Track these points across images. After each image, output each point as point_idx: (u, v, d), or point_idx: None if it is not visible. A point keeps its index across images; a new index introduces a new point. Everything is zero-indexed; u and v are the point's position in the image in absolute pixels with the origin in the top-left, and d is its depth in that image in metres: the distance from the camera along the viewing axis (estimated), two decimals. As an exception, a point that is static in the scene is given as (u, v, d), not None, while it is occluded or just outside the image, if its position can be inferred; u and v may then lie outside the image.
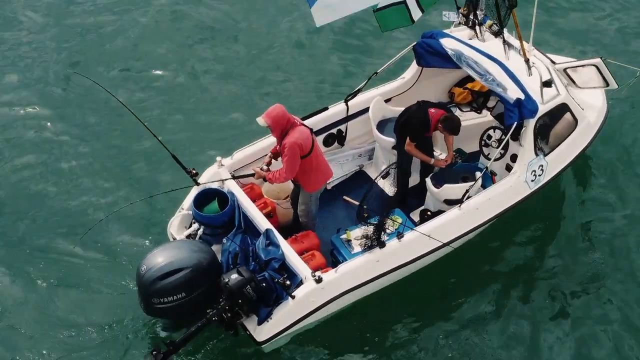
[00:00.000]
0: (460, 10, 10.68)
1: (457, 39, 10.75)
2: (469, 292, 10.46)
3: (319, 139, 10.88)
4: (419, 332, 10.07)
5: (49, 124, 12.27)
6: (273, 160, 9.98)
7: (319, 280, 9.18)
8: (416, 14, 10.35)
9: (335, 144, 11.23)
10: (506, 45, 10.43)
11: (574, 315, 10.31)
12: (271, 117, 9.47)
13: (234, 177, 10.10)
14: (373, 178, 10.93)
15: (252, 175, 9.98)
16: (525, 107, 9.99)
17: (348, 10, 9.63)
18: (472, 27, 10.76)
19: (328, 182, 10.82)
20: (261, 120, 9.49)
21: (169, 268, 9.13)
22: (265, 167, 9.91)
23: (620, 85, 10.93)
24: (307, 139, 9.59)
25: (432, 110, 10.36)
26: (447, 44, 10.64)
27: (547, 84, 10.20)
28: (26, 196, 11.28)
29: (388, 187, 10.64)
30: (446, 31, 10.96)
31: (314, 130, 10.08)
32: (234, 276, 9.05)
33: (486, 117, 11.48)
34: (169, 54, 13.50)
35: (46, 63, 13.22)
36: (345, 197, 10.99)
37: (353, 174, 11.35)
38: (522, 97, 10.03)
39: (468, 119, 11.50)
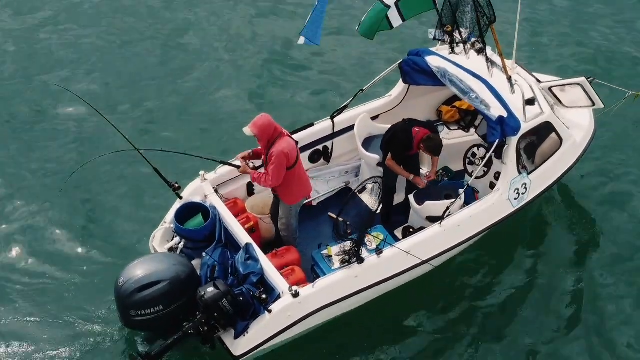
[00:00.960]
0: (444, 28, 10.69)
1: (442, 56, 10.78)
2: (450, 309, 10.46)
3: (305, 155, 10.92)
4: (402, 345, 10.08)
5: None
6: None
7: (296, 295, 9.16)
8: (396, 21, 10.42)
9: (322, 160, 11.26)
10: (489, 63, 10.45)
11: (560, 332, 10.35)
12: (257, 126, 9.48)
13: (221, 162, 10.04)
14: (358, 194, 10.98)
15: (238, 167, 9.93)
16: (507, 124, 9.98)
17: None
18: (453, 47, 10.77)
19: (311, 198, 10.90)
20: (247, 130, 9.50)
21: (147, 280, 9.15)
22: (252, 164, 9.85)
23: (609, 106, 10.92)
24: (293, 150, 9.63)
25: (416, 129, 10.33)
26: (432, 61, 10.67)
27: (530, 102, 10.19)
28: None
29: (371, 202, 10.63)
30: (432, 49, 10.99)
31: (300, 146, 10.13)
32: (210, 289, 9.06)
33: (473, 135, 11.48)
34: (154, 66, 13.68)
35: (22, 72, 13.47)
36: (330, 214, 10.98)
37: (339, 191, 11.35)
38: (505, 114, 10.03)
39: (455, 137, 11.52)
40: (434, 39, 10.76)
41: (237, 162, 10.00)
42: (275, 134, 9.54)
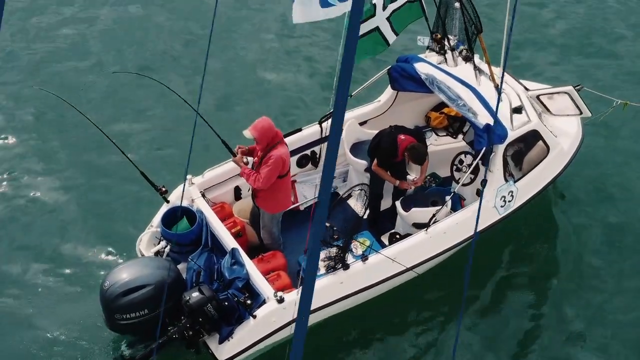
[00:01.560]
0: (433, 36, 10.72)
1: (431, 63, 10.80)
2: (439, 312, 10.54)
3: (293, 160, 10.89)
4: (389, 347, 10.14)
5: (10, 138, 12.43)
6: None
7: (280, 301, 9.18)
8: (391, 37, 10.51)
9: (309, 165, 11.27)
10: (477, 71, 10.47)
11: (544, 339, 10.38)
12: (257, 129, 9.46)
13: (223, 142, 9.96)
14: (346, 201, 11.00)
15: (235, 155, 9.85)
16: (494, 132, 9.99)
17: (321, 16, 9.69)
18: (442, 53, 10.78)
19: (298, 203, 10.91)
20: (247, 133, 9.47)
21: (132, 284, 9.17)
22: (246, 160, 9.79)
23: (597, 114, 10.95)
24: (289, 159, 9.67)
25: (402, 136, 10.32)
26: (421, 68, 10.68)
27: (518, 110, 10.21)
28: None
29: (358, 207, 10.65)
30: (421, 56, 11.01)
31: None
32: (195, 294, 9.07)
33: (461, 142, 11.50)
34: (139, 68, 13.65)
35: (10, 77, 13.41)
36: (317, 219, 10.98)
37: (327, 196, 11.35)
38: (492, 122, 10.05)
39: (443, 143, 11.53)
40: (427, 48, 10.78)
41: (236, 152, 9.87)
42: (276, 139, 9.54)
